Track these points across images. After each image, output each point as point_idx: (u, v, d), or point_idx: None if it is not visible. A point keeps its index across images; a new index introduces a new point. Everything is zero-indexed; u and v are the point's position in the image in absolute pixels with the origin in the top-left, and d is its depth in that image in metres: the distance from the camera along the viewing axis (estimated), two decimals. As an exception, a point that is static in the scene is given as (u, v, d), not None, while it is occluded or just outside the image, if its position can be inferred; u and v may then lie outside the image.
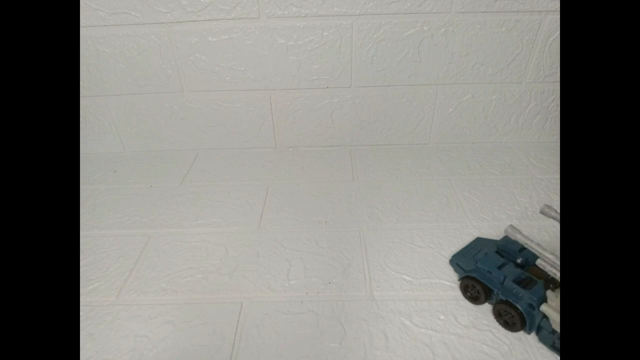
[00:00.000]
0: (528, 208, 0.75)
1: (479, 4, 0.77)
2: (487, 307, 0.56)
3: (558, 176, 0.84)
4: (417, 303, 0.57)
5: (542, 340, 0.52)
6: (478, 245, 0.63)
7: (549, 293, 0.49)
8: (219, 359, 0.51)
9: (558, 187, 0.81)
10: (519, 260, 0.55)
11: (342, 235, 0.70)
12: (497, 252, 0.57)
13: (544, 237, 0.68)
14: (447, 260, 0.64)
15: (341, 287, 0.60)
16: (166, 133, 0.96)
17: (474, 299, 0.57)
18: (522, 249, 0.56)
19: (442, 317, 0.55)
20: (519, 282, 0.52)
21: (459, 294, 0.58)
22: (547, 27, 0.80)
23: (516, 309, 0.51)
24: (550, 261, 0.49)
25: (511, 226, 0.54)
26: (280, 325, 0.55)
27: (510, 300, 0.51)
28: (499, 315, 0.54)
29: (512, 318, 0.52)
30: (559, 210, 0.56)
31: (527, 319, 0.50)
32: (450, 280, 0.61)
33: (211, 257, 0.67)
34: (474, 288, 0.56)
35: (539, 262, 0.50)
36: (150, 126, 0.95)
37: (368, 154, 0.94)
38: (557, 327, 0.48)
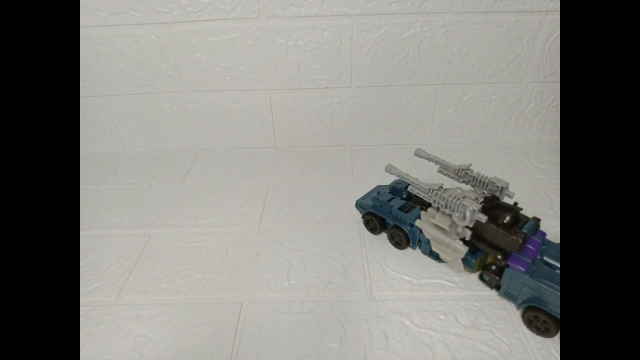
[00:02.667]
0: (528, 208, 0.75)
1: (479, 4, 0.78)
2: (487, 308, 0.56)
3: (558, 176, 0.84)
4: (417, 303, 0.57)
5: (424, 251, 0.65)
6: (377, 189, 0.74)
7: (422, 212, 0.61)
8: (219, 359, 0.51)
9: (558, 187, 0.81)
10: (404, 195, 0.68)
11: (342, 235, 0.70)
12: (390, 192, 0.70)
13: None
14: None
15: (341, 287, 0.60)
16: (166, 133, 0.96)
17: (374, 229, 0.69)
18: (407, 185, 0.66)
19: (442, 317, 0.55)
20: (402, 209, 0.65)
21: (459, 293, 0.58)
22: (547, 27, 0.80)
23: (402, 229, 0.64)
24: (416, 186, 0.60)
25: (389, 164, 0.64)
26: (280, 325, 0.55)
27: (397, 224, 0.64)
28: (391, 238, 0.67)
29: (400, 238, 0.65)
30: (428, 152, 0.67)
31: (409, 236, 0.64)
32: (450, 280, 0.61)
33: (211, 257, 0.66)
34: (373, 221, 0.69)
35: (410, 188, 0.62)
36: (150, 126, 0.95)
37: (368, 154, 0.94)
38: (429, 236, 0.60)
